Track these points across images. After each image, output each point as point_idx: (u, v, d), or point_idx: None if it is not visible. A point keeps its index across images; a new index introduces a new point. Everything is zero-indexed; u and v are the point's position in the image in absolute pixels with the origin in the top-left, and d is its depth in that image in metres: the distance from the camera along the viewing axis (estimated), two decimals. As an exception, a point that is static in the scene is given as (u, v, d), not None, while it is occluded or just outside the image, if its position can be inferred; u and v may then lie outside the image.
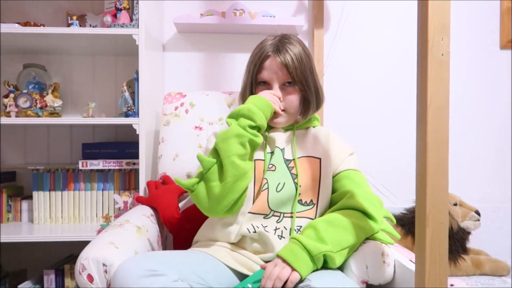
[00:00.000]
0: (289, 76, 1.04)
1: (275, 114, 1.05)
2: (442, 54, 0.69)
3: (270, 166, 1.04)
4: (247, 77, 1.11)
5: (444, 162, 0.70)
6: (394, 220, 1.03)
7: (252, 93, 1.10)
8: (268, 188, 1.01)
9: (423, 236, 0.70)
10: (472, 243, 1.70)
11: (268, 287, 0.82)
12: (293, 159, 1.05)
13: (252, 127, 0.98)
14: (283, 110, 1.06)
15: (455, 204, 1.66)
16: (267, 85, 1.07)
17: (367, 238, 0.95)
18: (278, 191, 1.00)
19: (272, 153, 1.07)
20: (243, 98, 1.12)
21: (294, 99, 1.07)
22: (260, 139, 0.99)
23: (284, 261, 0.84)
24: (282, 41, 1.06)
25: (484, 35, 1.91)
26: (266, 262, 0.93)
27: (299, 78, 1.04)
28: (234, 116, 1.01)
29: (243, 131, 0.96)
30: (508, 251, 1.80)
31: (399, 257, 0.95)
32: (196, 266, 0.89)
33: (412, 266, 0.87)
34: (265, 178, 1.02)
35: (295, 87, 1.06)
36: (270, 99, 1.02)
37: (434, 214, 0.69)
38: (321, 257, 0.85)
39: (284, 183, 1.01)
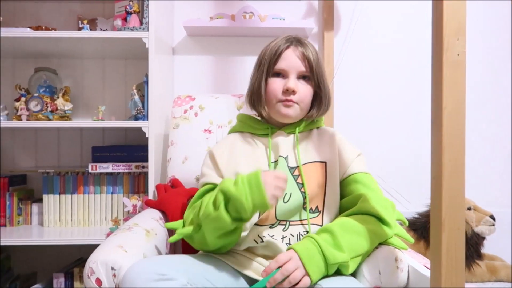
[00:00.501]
0: (308, 68, 1.03)
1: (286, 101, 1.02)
2: (458, 55, 0.67)
3: None
4: (258, 70, 1.07)
5: (460, 165, 0.68)
6: (406, 222, 1.00)
7: (265, 86, 1.05)
8: None
9: (439, 241, 0.68)
10: (487, 248, 1.67)
11: (278, 279, 0.81)
12: (298, 166, 1.03)
13: (238, 219, 0.87)
14: (295, 103, 1.03)
15: (469, 209, 1.63)
16: (281, 76, 1.04)
17: (380, 243, 0.93)
18: (286, 202, 0.98)
19: (276, 162, 1.05)
20: (251, 97, 1.09)
21: (308, 93, 1.05)
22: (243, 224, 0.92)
23: (299, 258, 0.82)
24: (297, 38, 1.06)
25: (500, 35, 1.88)
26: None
27: (317, 72, 1.03)
28: (228, 192, 0.84)
29: (225, 225, 0.86)
30: (524, 257, 1.76)
31: (413, 262, 0.92)
32: (205, 271, 0.88)
33: (427, 272, 0.85)
34: None
35: (310, 82, 1.05)
36: (272, 194, 0.84)
37: (450, 219, 0.67)
38: (336, 266, 0.84)
39: (291, 194, 0.99)
